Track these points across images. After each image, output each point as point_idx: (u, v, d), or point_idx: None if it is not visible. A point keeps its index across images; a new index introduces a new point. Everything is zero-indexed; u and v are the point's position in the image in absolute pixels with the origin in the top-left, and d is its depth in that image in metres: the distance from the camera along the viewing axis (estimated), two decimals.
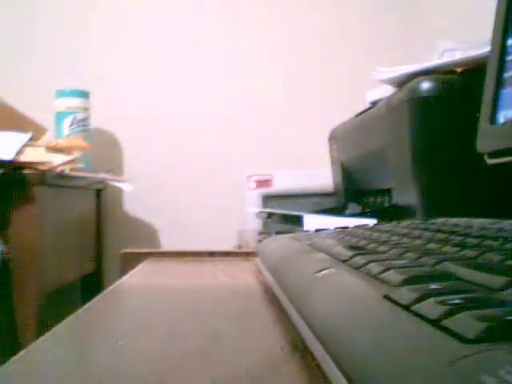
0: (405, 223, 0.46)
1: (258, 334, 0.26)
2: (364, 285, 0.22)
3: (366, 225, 0.51)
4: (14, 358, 0.22)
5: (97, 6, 1.60)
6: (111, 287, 0.42)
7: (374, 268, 0.24)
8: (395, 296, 0.18)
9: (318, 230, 0.51)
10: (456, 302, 0.16)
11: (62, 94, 1.42)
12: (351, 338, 0.17)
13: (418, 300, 0.17)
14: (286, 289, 0.30)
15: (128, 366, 0.21)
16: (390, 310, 0.18)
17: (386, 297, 0.19)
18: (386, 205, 0.79)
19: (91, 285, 1.44)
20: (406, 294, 0.18)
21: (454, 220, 0.44)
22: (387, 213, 0.72)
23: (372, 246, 0.32)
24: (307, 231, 0.54)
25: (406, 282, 0.20)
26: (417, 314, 0.16)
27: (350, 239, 0.37)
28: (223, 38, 1.61)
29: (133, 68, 1.60)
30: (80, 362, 0.22)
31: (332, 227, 0.52)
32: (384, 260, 0.25)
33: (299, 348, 0.23)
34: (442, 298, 0.16)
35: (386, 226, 0.45)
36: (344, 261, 0.28)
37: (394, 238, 0.35)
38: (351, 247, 0.31)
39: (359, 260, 0.26)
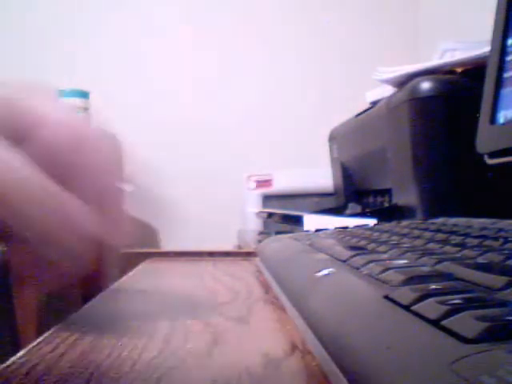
0: (405, 223, 0.46)
1: (258, 333, 0.26)
2: (364, 285, 0.22)
3: (366, 225, 0.51)
4: (13, 358, 0.22)
5: (97, 5, 1.60)
6: (111, 287, 0.42)
7: (374, 268, 0.24)
8: (395, 296, 0.18)
9: (318, 230, 0.51)
10: (456, 302, 0.16)
11: (61, 94, 1.42)
12: (351, 338, 0.17)
13: (418, 300, 0.17)
14: (286, 289, 0.30)
15: (127, 366, 0.21)
16: (390, 310, 0.18)
17: (386, 297, 0.19)
18: (386, 205, 0.79)
19: (91, 285, 1.44)
20: (406, 294, 0.18)
21: (453, 220, 0.44)
22: (387, 213, 0.72)
23: (372, 245, 0.32)
24: (307, 231, 0.54)
25: (406, 282, 0.20)
26: (417, 314, 0.16)
27: (350, 239, 0.37)
28: (222, 38, 1.61)
29: (133, 68, 1.60)
30: (80, 362, 0.22)
31: (332, 227, 0.52)
32: (384, 260, 0.25)
33: (299, 348, 0.23)
34: (442, 298, 0.16)
35: (386, 226, 0.45)
36: (344, 261, 0.28)
37: (394, 237, 0.35)
38: (351, 247, 0.31)
39: (359, 260, 0.26)
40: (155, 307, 0.34)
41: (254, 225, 1.23)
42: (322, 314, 0.21)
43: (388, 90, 0.77)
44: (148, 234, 1.59)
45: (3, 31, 1.58)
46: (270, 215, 0.97)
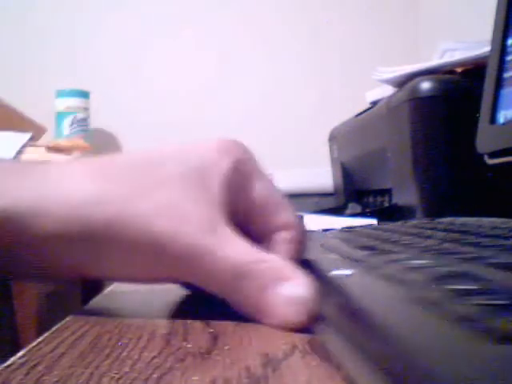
0: (412, 223, 0.45)
1: (258, 333, 0.26)
2: (388, 285, 0.21)
3: (373, 225, 0.51)
4: (13, 358, 0.22)
5: (97, 5, 1.60)
6: (111, 287, 0.42)
7: (395, 268, 0.23)
8: (422, 296, 0.18)
9: (325, 230, 0.51)
10: (484, 302, 0.16)
11: (61, 93, 1.42)
12: (381, 340, 0.17)
13: (446, 300, 0.17)
14: None
15: (127, 366, 0.21)
16: (418, 311, 0.17)
17: (413, 297, 0.19)
18: (386, 205, 0.79)
19: (91, 285, 1.44)
20: (433, 294, 0.18)
21: (461, 220, 0.43)
22: (387, 213, 0.72)
23: (386, 246, 0.31)
24: (314, 231, 0.54)
25: (430, 282, 0.20)
26: (445, 314, 0.16)
27: (361, 239, 0.36)
28: (222, 38, 1.61)
29: (133, 68, 1.60)
30: (79, 362, 0.22)
31: (337, 227, 0.52)
32: (403, 260, 0.25)
33: (299, 348, 0.23)
34: (471, 297, 0.16)
35: (394, 226, 0.44)
36: (360, 261, 0.28)
37: (406, 237, 0.34)
38: (365, 247, 0.31)
39: (377, 260, 0.26)
40: (155, 307, 0.34)
41: None
42: (346, 315, 0.21)
43: (388, 90, 0.77)
44: None
45: (3, 31, 1.58)
46: None
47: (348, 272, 0.26)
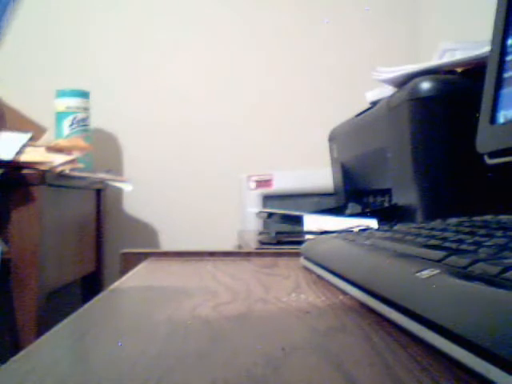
0: (452, 221, 0.43)
1: (258, 333, 0.26)
2: (490, 287, 0.20)
3: (412, 224, 0.49)
4: (13, 358, 0.22)
5: (97, 5, 1.60)
6: (111, 287, 0.42)
7: (487, 268, 0.22)
8: None
9: (363, 230, 0.51)
10: None
11: (61, 94, 1.42)
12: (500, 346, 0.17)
13: None
14: (378, 290, 0.29)
15: (127, 366, 0.21)
16: None
17: None
18: (386, 205, 0.79)
19: (91, 285, 1.44)
20: None
21: (500, 217, 0.41)
22: (387, 213, 0.72)
23: (450, 244, 0.30)
24: (351, 231, 0.53)
25: None
26: None
27: (416, 238, 0.35)
28: (222, 38, 1.61)
29: (133, 68, 1.60)
30: (79, 362, 0.22)
31: (373, 227, 0.51)
32: (490, 259, 0.23)
33: (299, 347, 0.23)
34: None
35: (434, 224, 0.43)
36: (438, 261, 0.27)
37: (462, 236, 0.32)
38: (432, 246, 0.30)
39: (458, 260, 0.25)
40: (155, 307, 0.34)
41: (254, 225, 1.23)
42: (455, 315, 0.21)
43: (388, 90, 0.77)
44: (148, 234, 1.59)
45: None
46: (270, 215, 0.97)
47: (431, 272, 0.25)
